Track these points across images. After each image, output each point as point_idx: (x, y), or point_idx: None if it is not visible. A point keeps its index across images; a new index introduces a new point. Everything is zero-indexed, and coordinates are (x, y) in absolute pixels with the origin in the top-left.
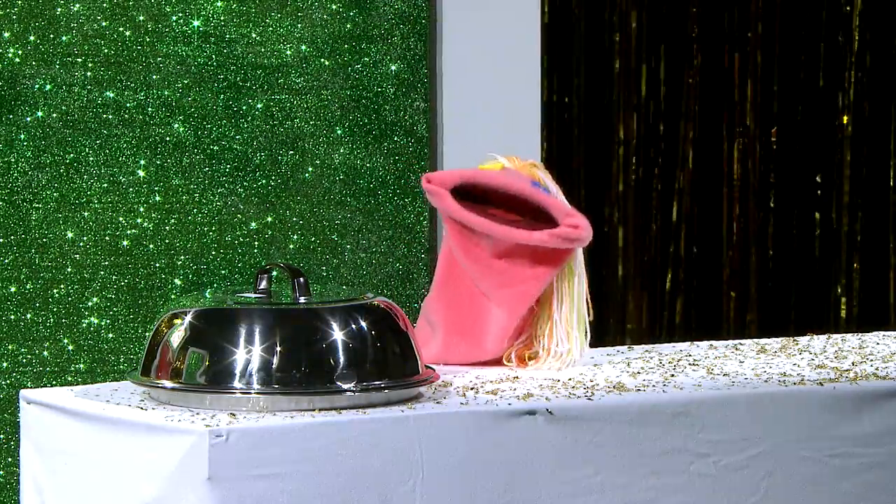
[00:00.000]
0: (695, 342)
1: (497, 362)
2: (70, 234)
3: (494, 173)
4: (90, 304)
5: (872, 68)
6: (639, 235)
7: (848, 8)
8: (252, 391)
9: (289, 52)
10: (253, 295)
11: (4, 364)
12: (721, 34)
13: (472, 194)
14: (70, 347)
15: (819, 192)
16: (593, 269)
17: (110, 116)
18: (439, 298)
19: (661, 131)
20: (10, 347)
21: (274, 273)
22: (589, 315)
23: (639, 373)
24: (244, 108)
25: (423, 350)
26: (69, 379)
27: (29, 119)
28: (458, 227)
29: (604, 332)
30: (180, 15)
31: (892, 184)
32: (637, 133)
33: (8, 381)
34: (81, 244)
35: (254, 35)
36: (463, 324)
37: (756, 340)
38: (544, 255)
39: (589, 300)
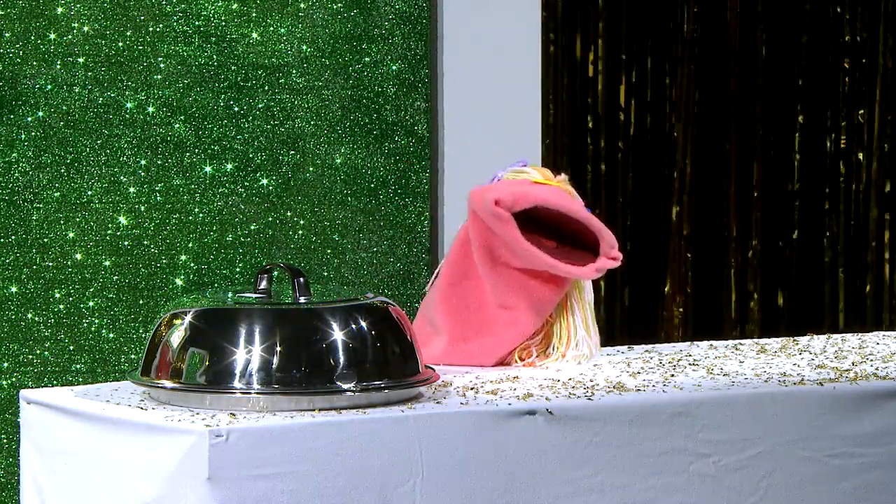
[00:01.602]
0: (695, 342)
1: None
2: (71, 234)
3: (554, 194)
4: (91, 304)
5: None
6: (638, 235)
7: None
8: (252, 391)
9: (290, 53)
10: (253, 295)
11: (5, 364)
12: (721, 34)
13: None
14: (71, 347)
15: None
16: None
17: (111, 116)
18: (445, 300)
19: (660, 131)
20: (11, 347)
21: (274, 273)
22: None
23: (639, 373)
24: (245, 108)
25: (426, 352)
26: (70, 379)
27: (30, 119)
28: (490, 233)
29: (603, 332)
30: (181, 15)
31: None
32: (637, 132)
33: (9, 381)
34: (82, 244)
35: (255, 35)
36: (471, 330)
37: (756, 340)
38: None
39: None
